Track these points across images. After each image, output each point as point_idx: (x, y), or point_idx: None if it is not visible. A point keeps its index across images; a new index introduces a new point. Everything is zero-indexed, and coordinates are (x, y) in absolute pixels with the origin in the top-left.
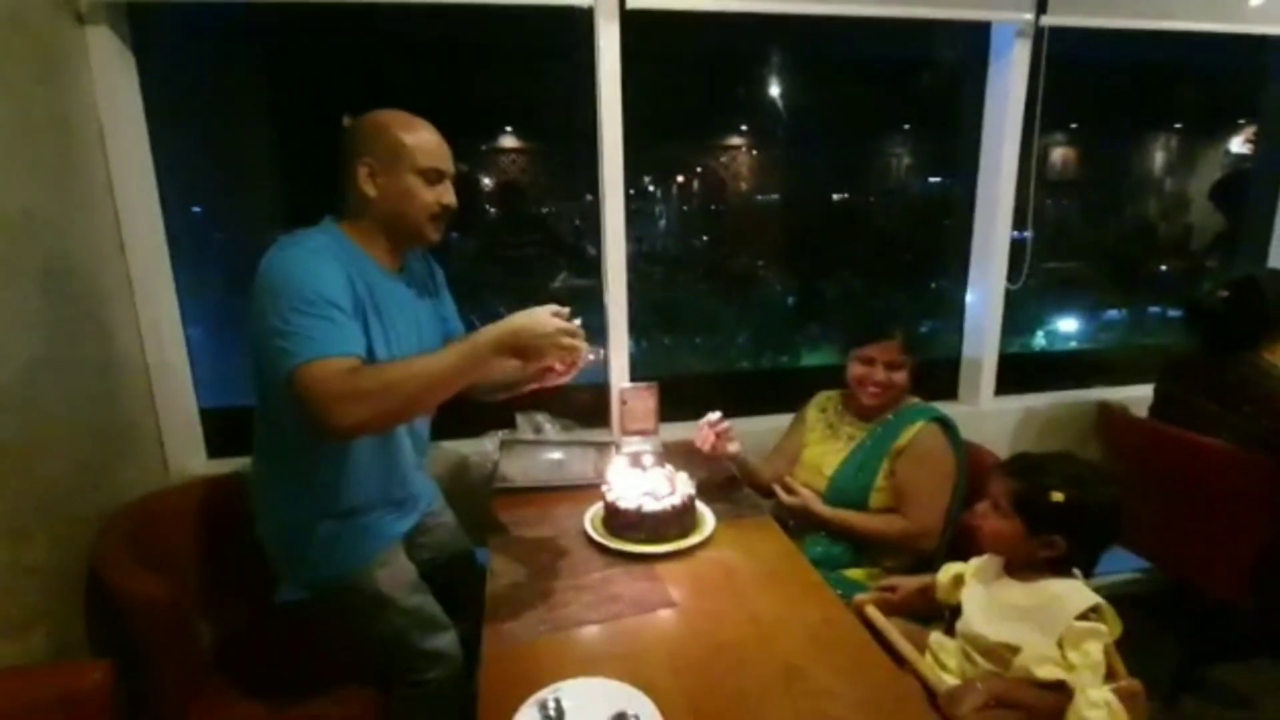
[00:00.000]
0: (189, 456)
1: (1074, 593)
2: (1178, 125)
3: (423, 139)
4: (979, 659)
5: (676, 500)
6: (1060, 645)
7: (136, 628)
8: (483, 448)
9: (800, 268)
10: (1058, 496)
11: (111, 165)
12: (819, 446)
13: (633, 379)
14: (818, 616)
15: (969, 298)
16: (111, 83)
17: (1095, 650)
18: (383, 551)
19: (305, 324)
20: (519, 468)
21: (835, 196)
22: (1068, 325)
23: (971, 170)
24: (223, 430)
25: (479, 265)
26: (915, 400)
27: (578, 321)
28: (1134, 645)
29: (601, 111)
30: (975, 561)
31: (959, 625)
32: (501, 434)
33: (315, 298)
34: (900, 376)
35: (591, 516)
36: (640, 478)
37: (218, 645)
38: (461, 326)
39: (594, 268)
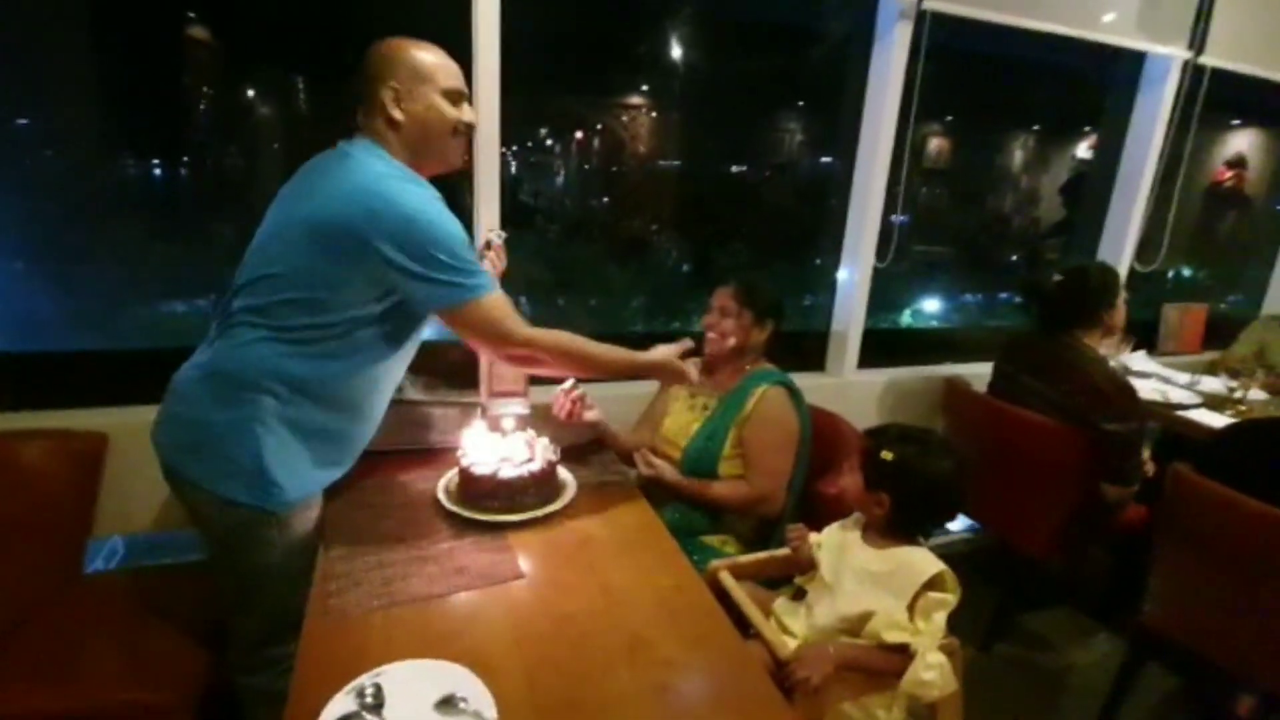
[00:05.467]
0: None
1: (921, 559)
2: (1036, 126)
3: (443, 61)
4: (827, 628)
5: (535, 467)
6: (910, 610)
7: None
8: None
9: (695, 235)
10: (886, 455)
11: None
12: (678, 417)
13: None
14: (669, 584)
15: (840, 274)
16: None
17: (941, 619)
18: (317, 491)
19: (471, 263)
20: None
21: (733, 169)
22: (930, 305)
23: (853, 151)
24: (20, 380)
25: None
26: (766, 366)
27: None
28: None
29: (477, 52)
30: (833, 527)
31: (811, 595)
32: None
33: (464, 242)
34: (729, 325)
35: (446, 483)
36: (499, 443)
37: (13, 623)
38: None
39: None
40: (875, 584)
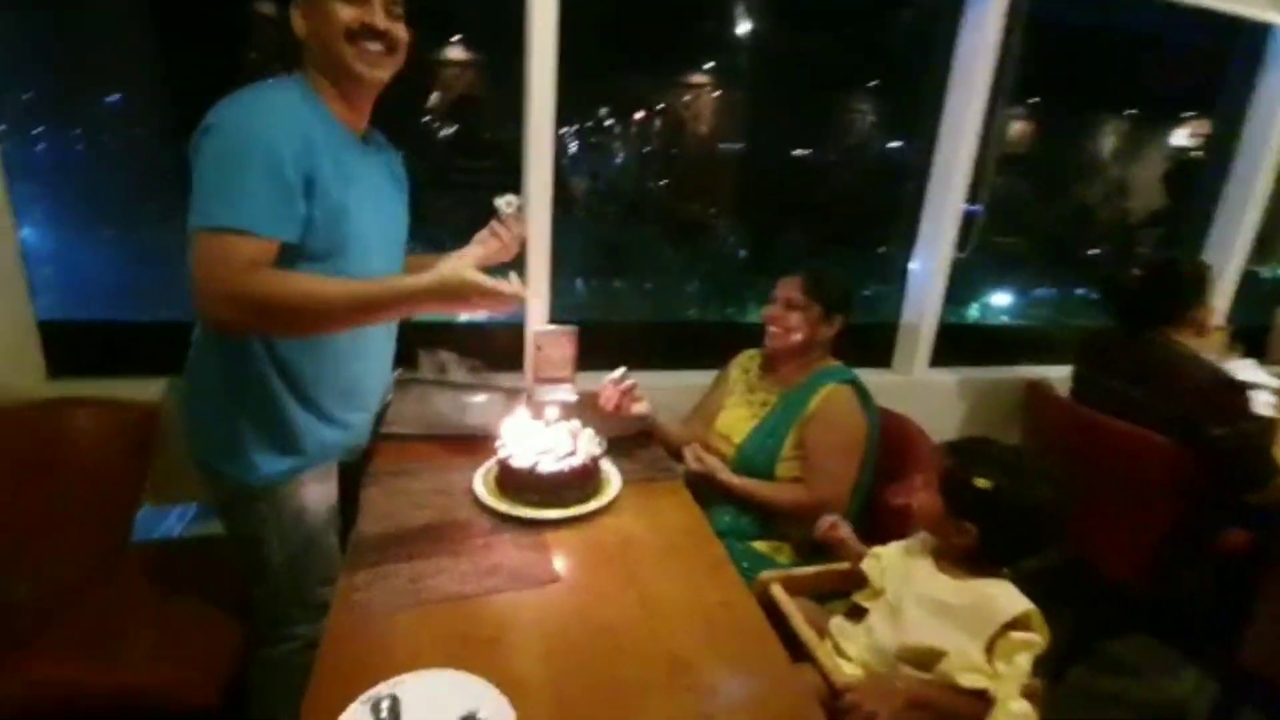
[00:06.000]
0: (20, 374)
1: (1005, 596)
2: (1131, 110)
3: None
4: (890, 654)
5: (577, 461)
6: (988, 651)
7: None
8: None
9: (755, 221)
10: (981, 483)
11: None
12: (734, 411)
13: (574, 321)
14: (715, 599)
15: (913, 264)
16: None
17: (1025, 662)
18: (321, 463)
19: (232, 181)
20: (413, 411)
21: (796, 152)
22: (1001, 299)
23: (931, 132)
24: (75, 347)
25: (427, 191)
26: (833, 364)
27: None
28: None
29: (533, 20)
30: (898, 546)
31: (873, 617)
32: (398, 372)
33: (255, 153)
34: (796, 319)
35: (484, 474)
36: (540, 433)
37: (58, 593)
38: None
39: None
40: (947, 618)
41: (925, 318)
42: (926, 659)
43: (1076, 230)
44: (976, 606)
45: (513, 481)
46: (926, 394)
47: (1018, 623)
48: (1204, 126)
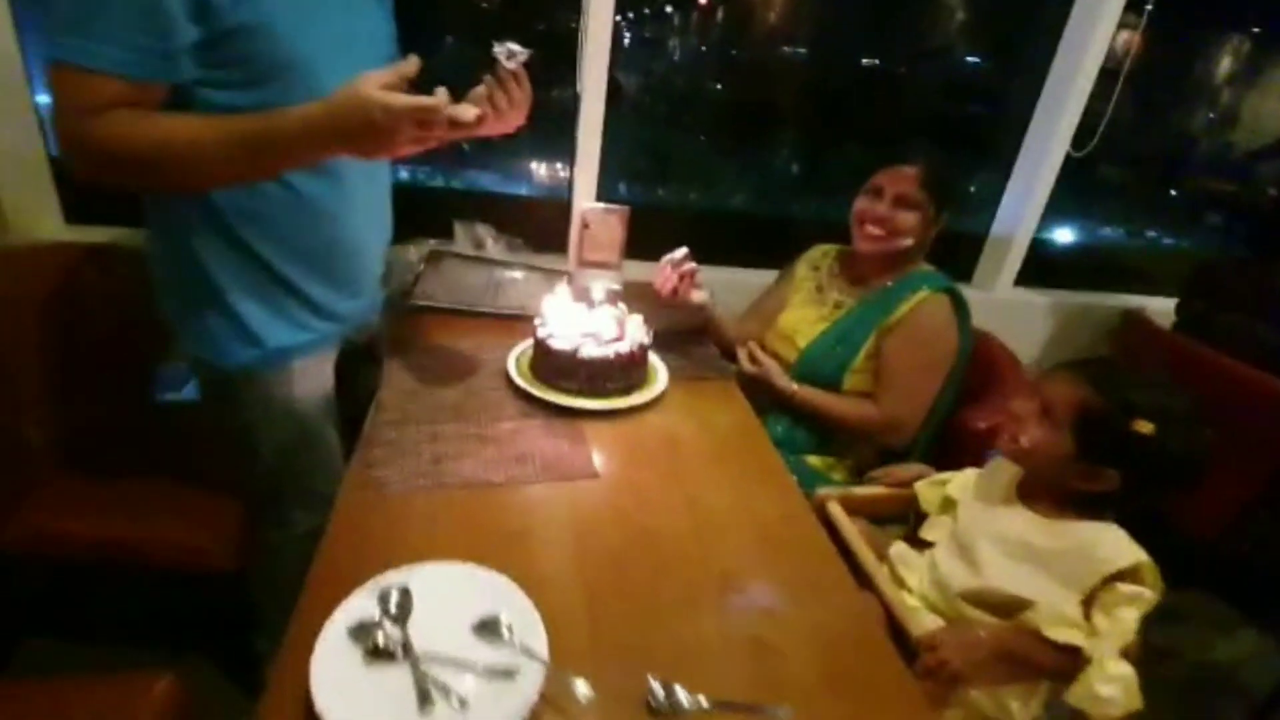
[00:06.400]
0: (36, 216)
1: (1114, 543)
2: (1257, 29)
3: None
4: (953, 593)
5: (624, 348)
6: (1086, 604)
7: None
8: (405, 256)
9: (811, 134)
10: (1145, 427)
11: None
12: (799, 311)
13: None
14: (774, 512)
15: (1018, 166)
16: None
17: (1132, 618)
18: (313, 352)
19: (90, 3)
20: (445, 285)
21: (863, 61)
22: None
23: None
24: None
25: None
26: (927, 268)
27: (442, 95)
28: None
29: None
30: (970, 475)
31: (939, 551)
32: (432, 243)
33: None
34: (909, 219)
35: (518, 355)
36: (584, 315)
37: (73, 440)
38: (396, 52)
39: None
40: (1037, 563)
41: (1019, 229)
42: (1007, 606)
43: (1183, 155)
44: (1076, 552)
45: (551, 365)
46: (1009, 314)
47: (1125, 574)
48: None
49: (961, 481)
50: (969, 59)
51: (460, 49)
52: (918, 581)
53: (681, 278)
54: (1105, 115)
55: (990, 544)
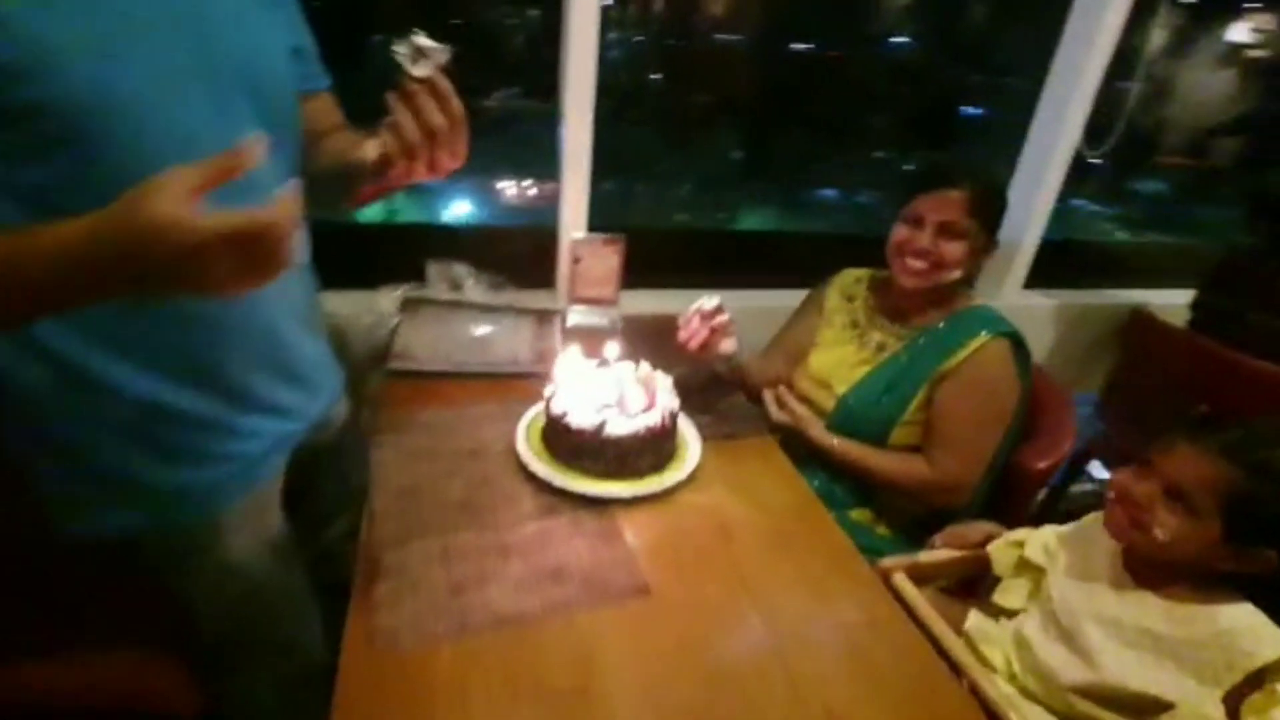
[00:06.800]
0: None
1: (1256, 632)
2: None
3: None
4: (1060, 684)
5: (655, 418)
6: (1228, 702)
7: None
8: (375, 306)
9: (751, 121)
10: None
11: None
12: (834, 350)
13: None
14: (856, 616)
15: (1023, 164)
16: None
17: None
18: (241, 495)
19: None
20: (426, 340)
21: (795, 46)
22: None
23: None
24: None
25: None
26: (977, 303)
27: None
28: None
29: None
30: (1047, 536)
31: (1030, 629)
32: (404, 289)
33: None
34: (955, 250)
35: (527, 428)
36: (599, 378)
37: None
38: (315, 78)
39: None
40: (1164, 654)
41: (1028, 230)
42: (1137, 705)
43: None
44: (1213, 643)
45: (570, 446)
46: (1021, 320)
47: (1273, 668)
48: (1270, 21)
49: (1040, 544)
50: (901, 40)
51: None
52: (1003, 660)
53: (713, 330)
54: (1124, 112)
55: (1101, 630)
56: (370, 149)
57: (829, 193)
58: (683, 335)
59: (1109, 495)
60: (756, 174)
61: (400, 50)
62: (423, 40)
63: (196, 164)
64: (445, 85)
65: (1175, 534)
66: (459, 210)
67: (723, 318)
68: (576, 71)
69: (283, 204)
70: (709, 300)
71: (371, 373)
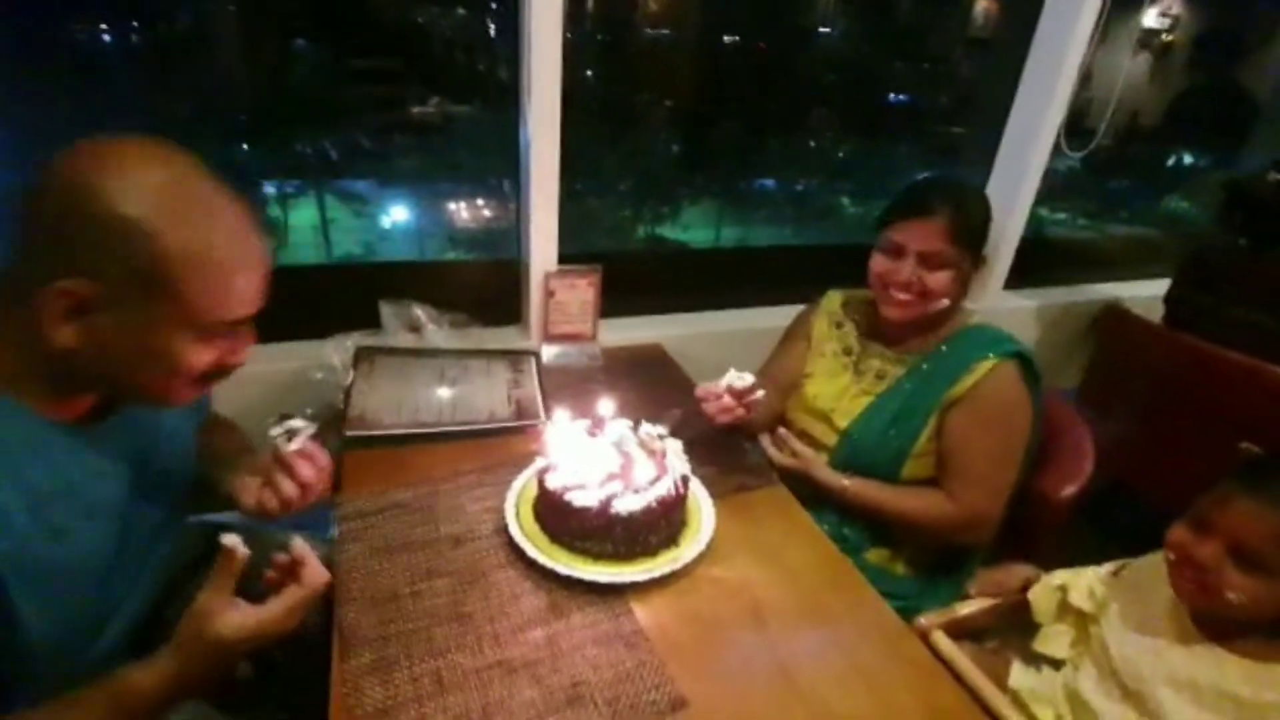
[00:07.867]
0: None
1: None
2: None
3: (239, 278)
4: None
5: (666, 489)
6: None
7: None
8: (325, 360)
9: (694, 112)
10: None
11: None
12: (830, 381)
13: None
14: (911, 698)
15: (998, 164)
16: None
17: None
18: None
19: None
20: (386, 398)
21: (727, 38)
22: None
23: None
24: None
25: (330, 84)
26: (976, 321)
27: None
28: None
29: None
30: (1091, 580)
31: (1085, 687)
32: (355, 337)
33: None
34: (940, 279)
35: (517, 502)
36: (596, 446)
37: None
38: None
39: (478, 90)
40: (1242, 714)
41: (1006, 232)
42: None
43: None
44: None
45: (571, 526)
46: (1003, 322)
47: None
48: (1173, 5)
49: (1085, 588)
50: (828, 30)
51: (315, 51)
52: (1052, 716)
53: (747, 408)
54: (1107, 112)
55: (1171, 690)
56: (247, 495)
57: (768, 183)
58: (711, 408)
59: (1169, 556)
60: (696, 167)
61: (276, 433)
62: (294, 423)
63: (213, 582)
64: (312, 448)
65: (1251, 596)
66: (408, 242)
67: (759, 394)
68: (540, 78)
69: (314, 572)
70: (741, 378)
71: (323, 439)
